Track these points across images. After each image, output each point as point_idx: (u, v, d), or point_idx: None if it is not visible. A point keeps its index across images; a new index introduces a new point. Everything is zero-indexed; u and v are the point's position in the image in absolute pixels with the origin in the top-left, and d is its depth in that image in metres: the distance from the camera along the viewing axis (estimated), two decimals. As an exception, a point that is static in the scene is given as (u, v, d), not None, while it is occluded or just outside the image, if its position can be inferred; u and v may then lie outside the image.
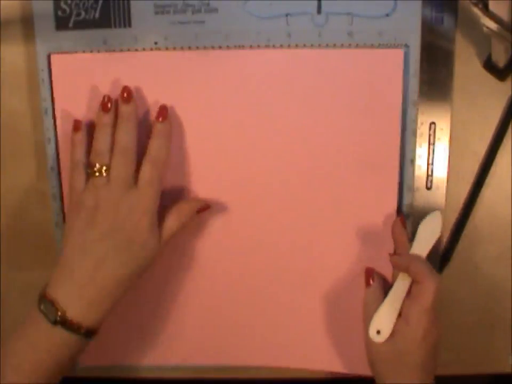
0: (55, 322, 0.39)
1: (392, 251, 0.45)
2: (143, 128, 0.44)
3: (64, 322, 0.40)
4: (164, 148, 0.43)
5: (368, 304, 0.44)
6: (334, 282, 0.47)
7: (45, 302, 0.40)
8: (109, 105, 0.43)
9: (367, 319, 0.43)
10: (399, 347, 0.41)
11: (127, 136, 0.42)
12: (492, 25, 0.37)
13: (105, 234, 0.41)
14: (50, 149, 0.45)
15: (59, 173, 0.46)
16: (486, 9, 0.37)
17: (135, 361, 0.49)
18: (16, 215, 0.48)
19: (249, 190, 0.46)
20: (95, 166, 0.42)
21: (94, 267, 0.40)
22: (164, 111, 0.43)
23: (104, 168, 0.42)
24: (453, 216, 0.46)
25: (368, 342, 0.43)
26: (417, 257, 0.43)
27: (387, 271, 0.46)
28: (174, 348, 0.49)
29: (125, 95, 0.43)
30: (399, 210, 0.45)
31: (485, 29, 0.38)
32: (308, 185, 0.45)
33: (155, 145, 0.43)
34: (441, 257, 0.47)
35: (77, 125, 0.44)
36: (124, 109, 0.43)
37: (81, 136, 0.43)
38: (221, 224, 0.46)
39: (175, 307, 0.48)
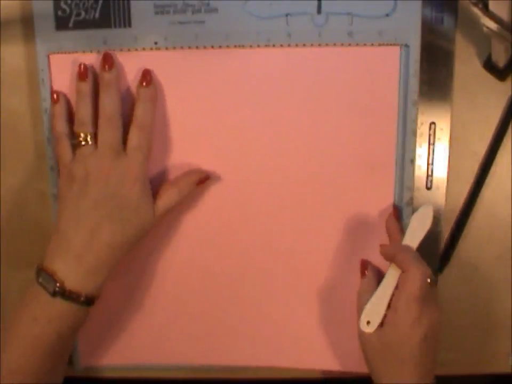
0: (54, 294, 0.40)
1: None
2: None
3: (63, 293, 0.40)
4: (150, 113, 0.43)
5: (362, 294, 0.44)
6: (330, 280, 0.47)
7: (43, 274, 0.40)
8: (86, 73, 0.42)
9: (360, 309, 0.43)
10: (388, 337, 0.41)
11: (111, 103, 0.42)
12: (492, 25, 0.37)
13: (98, 203, 0.41)
14: (50, 149, 0.45)
15: (59, 173, 0.46)
16: (486, 9, 0.37)
17: (134, 361, 0.49)
18: (16, 215, 0.48)
19: (248, 189, 0.46)
20: (80, 135, 0.42)
21: (89, 236, 0.40)
22: (147, 76, 0.43)
23: (89, 136, 0.41)
24: (453, 216, 0.46)
25: (359, 333, 0.43)
26: (404, 247, 0.43)
27: (384, 268, 0.46)
28: (173, 348, 0.49)
29: (106, 63, 0.42)
30: (395, 207, 0.45)
31: (485, 29, 0.38)
32: (306, 182, 0.45)
33: (141, 110, 0.42)
34: (441, 257, 0.47)
35: (55, 97, 0.43)
36: (107, 76, 0.42)
37: (60, 108, 0.43)
38: (220, 224, 0.46)
39: (174, 307, 0.48)
